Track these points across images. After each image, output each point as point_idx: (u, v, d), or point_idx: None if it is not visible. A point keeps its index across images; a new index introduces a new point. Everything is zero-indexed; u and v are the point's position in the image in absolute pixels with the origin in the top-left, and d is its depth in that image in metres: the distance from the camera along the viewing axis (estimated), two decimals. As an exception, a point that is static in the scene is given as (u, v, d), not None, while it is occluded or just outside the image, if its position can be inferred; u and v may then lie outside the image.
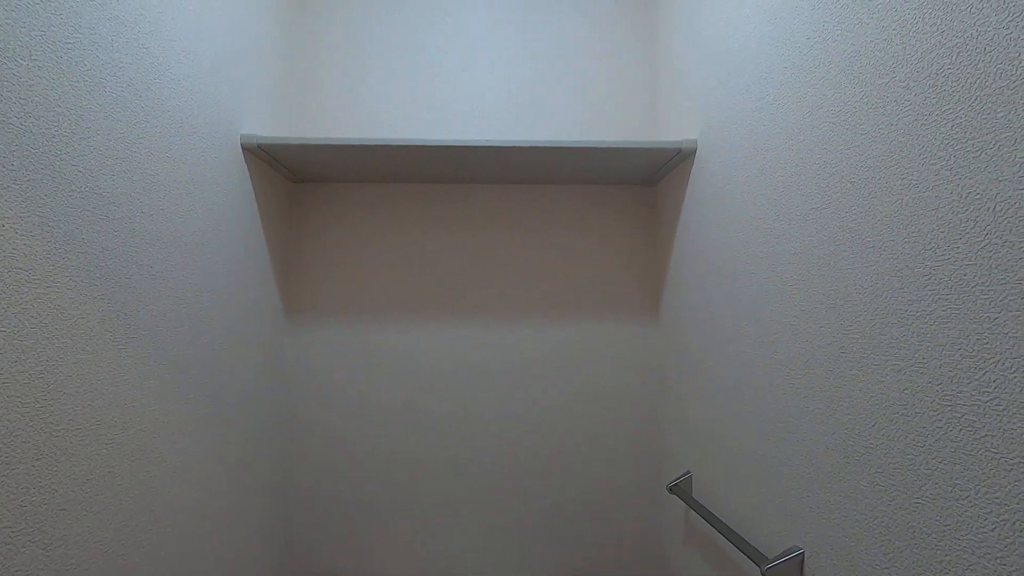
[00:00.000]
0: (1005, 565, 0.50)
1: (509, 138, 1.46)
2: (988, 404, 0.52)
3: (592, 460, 1.47)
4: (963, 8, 0.55)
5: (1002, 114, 0.51)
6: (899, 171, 0.63)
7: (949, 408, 0.56)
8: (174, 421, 0.94)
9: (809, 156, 0.80)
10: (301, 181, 1.49)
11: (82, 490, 0.73)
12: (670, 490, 1.25)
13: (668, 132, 1.43)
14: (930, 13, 0.59)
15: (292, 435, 1.44)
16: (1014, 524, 0.50)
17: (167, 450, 0.92)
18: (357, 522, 1.43)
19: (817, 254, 0.78)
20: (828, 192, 0.76)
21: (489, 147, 1.22)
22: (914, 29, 0.61)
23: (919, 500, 0.60)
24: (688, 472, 1.26)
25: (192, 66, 1.00)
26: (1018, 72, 0.50)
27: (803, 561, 0.82)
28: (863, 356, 0.69)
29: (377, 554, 1.42)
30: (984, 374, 0.52)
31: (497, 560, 1.44)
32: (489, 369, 1.46)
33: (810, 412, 0.80)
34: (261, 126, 1.30)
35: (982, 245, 0.53)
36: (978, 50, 0.54)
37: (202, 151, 1.03)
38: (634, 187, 1.53)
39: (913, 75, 0.61)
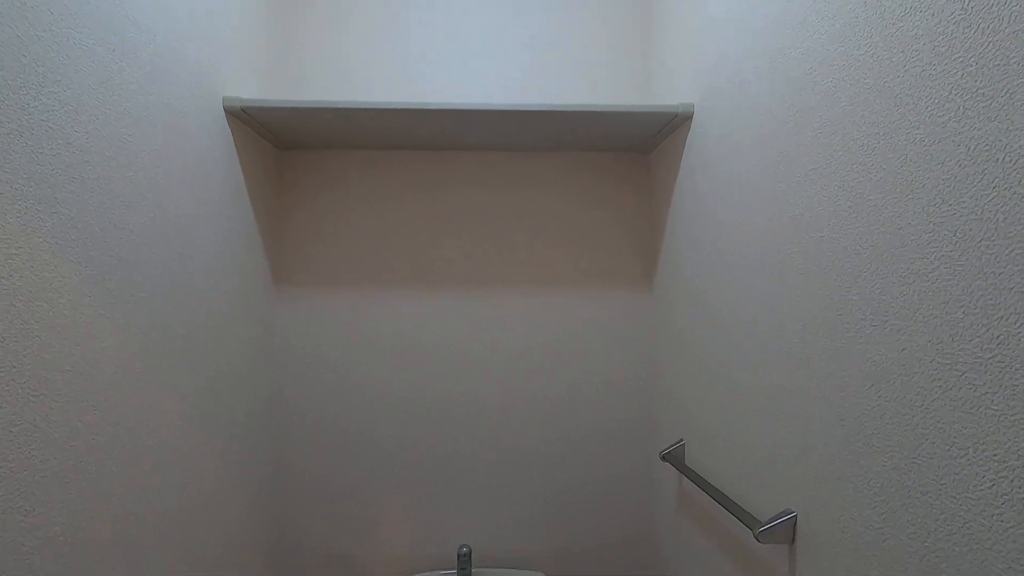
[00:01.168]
0: (1003, 521, 0.50)
1: (500, 101, 1.43)
2: (990, 361, 0.51)
3: (585, 430, 1.47)
4: (978, -51, 0.52)
5: (1016, 61, 0.49)
6: (904, 125, 0.61)
7: (949, 367, 0.55)
8: (159, 391, 0.92)
9: (810, 116, 0.78)
10: (287, 148, 1.44)
11: (62, 458, 0.71)
12: (663, 458, 1.25)
13: (664, 97, 1.39)
14: (942, -44, 0.56)
15: (283, 411, 1.42)
16: (1012, 480, 0.49)
17: (152, 421, 0.90)
18: (349, 500, 1.42)
19: (817, 216, 0.76)
20: (829, 152, 0.74)
21: (479, 111, 1.18)
22: (925, -26, 0.58)
23: (915, 460, 0.60)
24: (681, 440, 1.26)
25: (166, 19, 0.95)
26: (1034, 14, 0.48)
27: (795, 524, 0.82)
28: (862, 318, 0.68)
29: (370, 534, 1.42)
30: (987, 330, 0.51)
31: (490, 529, 1.44)
32: (480, 340, 1.45)
33: (806, 377, 0.79)
34: (244, 89, 1.25)
35: (989, 198, 0.51)
36: (992, -7, 0.51)
37: (182, 112, 0.99)
38: (628, 154, 1.50)
39: (923, 23, 0.59)
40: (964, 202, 0.54)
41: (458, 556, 1.33)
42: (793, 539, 0.83)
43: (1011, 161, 0.49)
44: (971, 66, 0.53)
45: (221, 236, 1.14)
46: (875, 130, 0.66)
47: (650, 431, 1.48)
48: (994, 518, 0.51)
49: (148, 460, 0.89)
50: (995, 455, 0.51)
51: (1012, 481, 0.49)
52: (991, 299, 0.51)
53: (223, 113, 1.15)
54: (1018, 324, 0.48)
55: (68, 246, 0.72)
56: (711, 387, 1.12)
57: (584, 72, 1.50)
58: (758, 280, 0.92)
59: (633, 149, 1.48)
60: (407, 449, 1.43)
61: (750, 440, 0.96)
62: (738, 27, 1.00)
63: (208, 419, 1.08)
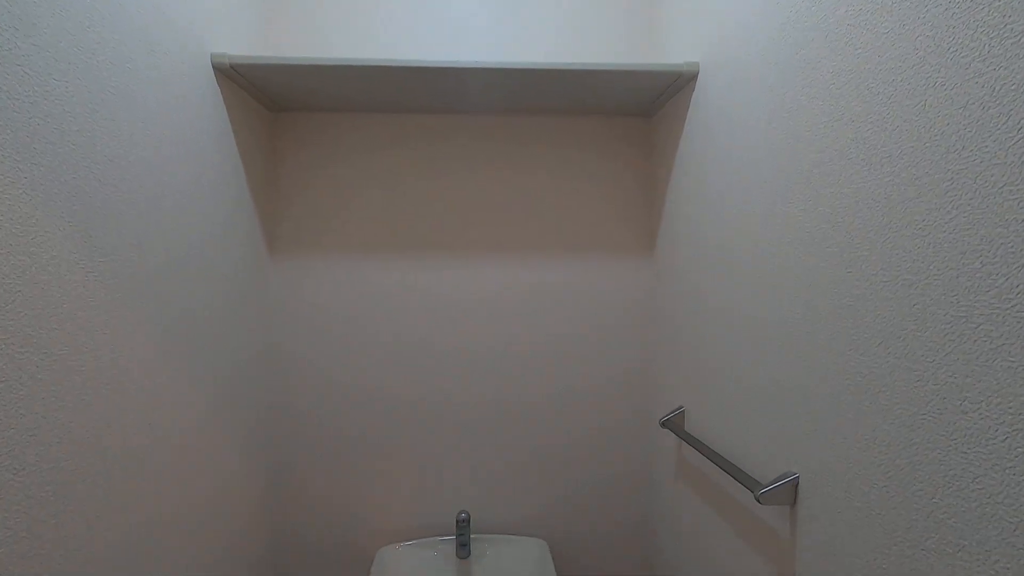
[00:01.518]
0: (1015, 474, 0.49)
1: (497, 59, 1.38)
2: (1008, 311, 0.49)
3: (584, 395, 1.46)
4: None
5: (1049, -10, 0.46)
6: (924, 69, 0.58)
7: (964, 320, 0.53)
8: (150, 346, 0.90)
9: (822, 65, 0.75)
10: (280, 110, 1.40)
11: (54, 415, 0.69)
12: (662, 424, 1.25)
13: (668, 56, 1.35)
14: None
15: (279, 368, 1.41)
16: (1028, 433, 0.48)
17: (143, 375, 0.88)
18: (347, 454, 1.42)
19: (828, 170, 0.74)
20: (841, 102, 0.71)
21: (476, 69, 1.14)
22: (952, -96, 0.55)
23: (925, 416, 0.58)
24: (681, 407, 1.25)
25: (151, -32, 0.91)
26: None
27: (797, 485, 0.82)
28: (872, 273, 0.65)
29: (368, 499, 1.42)
30: (1006, 280, 0.49)
31: (489, 495, 1.45)
32: (480, 305, 1.43)
33: (811, 335, 0.77)
34: (235, 47, 1.21)
35: (1014, 141, 0.49)
36: (1026, -82, 0.48)
37: (169, 69, 0.96)
38: (631, 118, 1.47)
39: (947, -42, 0.55)
40: (987, 146, 0.51)
41: (457, 522, 1.34)
42: (795, 501, 0.82)
43: (1040, 99, 0.47)
44: (1001, 0, 0.50)
45: (212, 196, 1.10)
46: (892, 77, 0.63)
47: (650, 399, 1.47)
48: (1007, 471, 0.50)
49: (137, 403, 0.87)
50: (1010, 408, 0.49)
51: (1027, 433, 0.48)
52: (1012, 247, 0.49)
53: (212, 71, 1.11)
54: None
55: (52, 197, 0.69)
56: (712, 352, 1.10)
57: (584, 31, 1.45)
58: (764, 237, 0.90)
59: (635, 113, 1.44)
60: (404, 414, 1.42)
61: (752, 404, 0.95)
62: (747, -22, 0.96)
63: (200, 368, 1.07)
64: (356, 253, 1.41)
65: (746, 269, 0.96)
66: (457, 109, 1.40)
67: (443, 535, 1.43)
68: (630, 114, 1.45)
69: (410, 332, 1.42)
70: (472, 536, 1.42)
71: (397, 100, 1.33)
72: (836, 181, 0.72)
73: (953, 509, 0.55)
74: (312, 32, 1.40)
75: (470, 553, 1.36)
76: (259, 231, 1.34)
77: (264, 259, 1.37)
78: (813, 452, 0.78)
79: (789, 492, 0.82)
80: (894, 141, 0.62)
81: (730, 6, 1.02)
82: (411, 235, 1.42)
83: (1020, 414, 0.48)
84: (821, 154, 0.75)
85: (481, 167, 1.43)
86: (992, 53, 0.51)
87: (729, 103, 1.02)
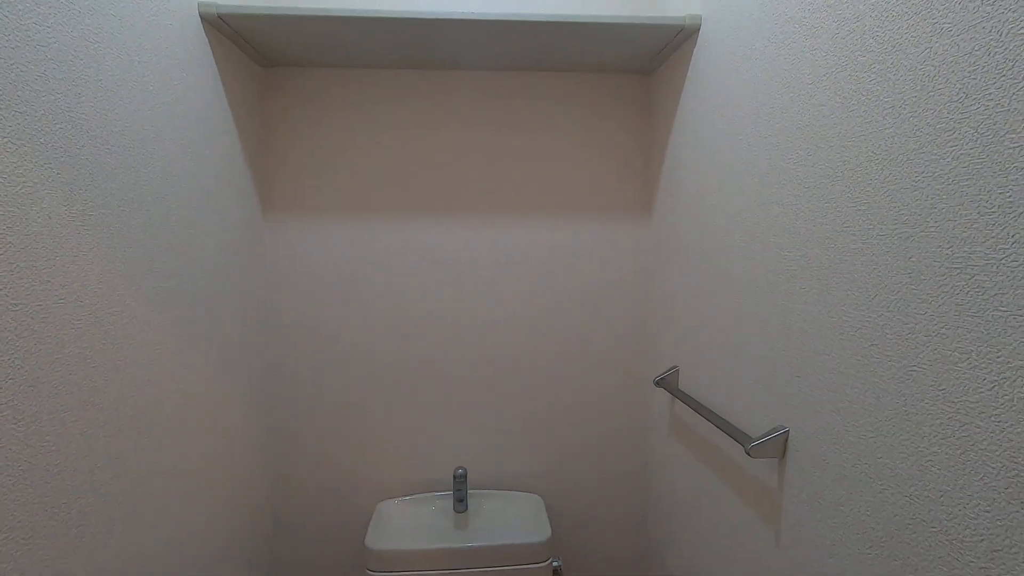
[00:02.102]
0: (1000, 422, 0.50)
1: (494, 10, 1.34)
2: (1003, 260, 0.49)
3: (580, 355, 1.47)
4: None
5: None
6: (931, 15, 0.57)
7: (959, 270, 0.54)
8: (146, 303, 0.90)
9: (825, 14, 0.73)
10: (271, 65, 1.37)
11: (52, 367, 0.70)
12: (657, 383, 1.26)
13: (669, 12, 1.31)
14: None
15: (277, 328, 1.41)
16: (1015, 381, 0.48)
17: (141, 331, 0.89)
18: (346, 413, 1.44)
19: (828, 123, 0.73)
20: (845, 51, 0.69)
21: (473, 20, 1.11)
22: None
23: (914, 368, 0.59)
24: (675, 367, 1.27)
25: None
26: None
27: (787, 439, 0.83)
28: (869, 227, 0.65)
29: (367, 445, 1.45)
30: (1003, 229, 0.49)
31: (486, 453, 1.47)
32: (478, 267, 1.43)
33: (804, 293, 0.78)
34: (221, -3, 1.17)
35: (1019, 87, 0.48)
36: None
37: (155, 17, 0.92)
38: (630, 76, 1.43)
39: None
40: (991, 93, 0.50)
41: (454, 477, 1.37)
42: (784, 454, 0.84)
43: (1047, 42, 0.46)
44: (1012, -61, 0.48)
45: (202, 150, 1.09)
46: (897, 24, 0.61)
47: (644, 358, 1.48)
48: (992, 419, 0.50)
49: (135, 358, 0.88)
50: (999, 357, 0.50)
51: (1015, 382, 0.48)
52: (1011, 196, 0.48)
53: (200, 21, 1.08)
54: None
55: (36, 151, 0.68)
56: (707, 311, 1.11)
57: (585, -15, 1.40)
58: (763, 192, 0.89)
59: (634, 71, 1.41)
60: (403, 372, 1.44)
61: (744, 361, 0.96)
62: (753, -77, 0.92)
63: (197, 328, 1.07)
64: (351, 213, 1.40)
65: (744, 227, 0.96)
66: (454, 65, 1.37)
67: (442, 491, 1.46)
68: (630, 71, 1.41)
69: (406, 292, 1.42)
70: (469, 492, 1.45)
71: (393, 55, 1.29)
72: (837, 135, 0.71)
73: (938, 457, 0.56)
74: (302, -17, 1.35)
75: (467, 507, 1.39)
76: (253, 190, 1.32)
77: (258, 219, 1.35)
78: (804, 406, 0.79)
79: (779, 445, 0.84)
80: (898, 91, 0.61)
81: (734, -46, 0.99)
82: (407, 194, 1.40)
83: (1008, 362, 0.49)
84: (822, 107, 0.74)
85: (478, 125, 1.41)
86: (1001, -5, 0.49)
87: (730, 57, 1.00)
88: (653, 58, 1.32)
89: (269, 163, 1.38)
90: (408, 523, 1.35)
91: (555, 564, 1.30)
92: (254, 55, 1.29)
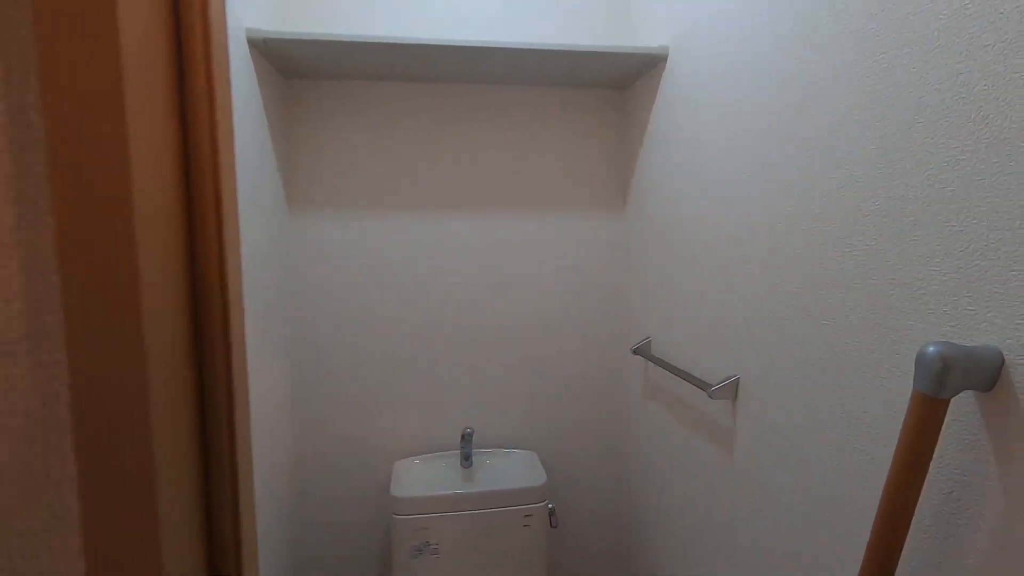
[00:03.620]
0: (870, 363, 0.75)
1: (481, 38, 1.54)
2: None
3: (568, 331, 1.72)
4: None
5: None
6: (837, 54, 0.81)
7: (849, 254, 0.79)
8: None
9: (774, 59, 0.97)
10: (291, 77, 1.54)
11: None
12: (634, 352, 1.52)
13: (640, 39, 1.55)
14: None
15: (298, 299, 1.59)
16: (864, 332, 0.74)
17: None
18: (363, 383, 1.64)
19: (773, 137, 0.98)
20: (784, 80, 0.94)
21: (482, 48, 1.31)
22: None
23: (823, 324, 0.84)
24: (648, 337, 1.52)
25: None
26: None
27: (738, 384, 1.09)
28: (797, 222, 0.91)
29: (382, 412, 1.65)
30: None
31: (486, 416, 1.70)
32: (477, 254, 1.65)
33: (752, 272, 1.03)
34: (253, 16, 1.33)
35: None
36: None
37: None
38: (606, 90, 1.67)
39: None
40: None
41: (462, 436, 1.59)
42: (735, 396, 1.10)
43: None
44: None
45: (247, 152, 1.26)
46: (817, 66, 0.86)
47: (622, 331, 1.74)
48: (864, 364, 0.76)
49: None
50: (878, 319, 0.75)
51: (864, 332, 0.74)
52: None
53: (246, 44, 1.24)
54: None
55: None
56: (675, 288, 1.36)
57: (562, 11, 1.62)
58: (723, 192, 1.14)
59: (610, 86, 1.65)
60: (411, 348, 1.64)
61: (705, 328, 1.21)
62: (711, -20, 1.16)
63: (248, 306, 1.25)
64: (364, 207, 1.59)
65: (706, 220, 1.21)
66: (451, 79, 1.57)
67: (448, 450, 1.68)
68: (606, 86, 1.65)
69: (416, 275, 1.62)
70: (474, 450, 1.68)
71: (400, 70, 1.49)
72: (778, 144, 0.96)
73: (854, 390, 0.82)
74: (320, 5, 1.53)
75: (472, 463, 1.62)
76: (280, 186, 1.49)
77: (284, 211, 1.53)
78: (751, 359, 1.04)
79: (732, 389, 1.10)
80: (812, 114, 0.86)
81: None
82: (411, 191, 1.60)
83: (865, 317, 0.74)
84: (768, 124, 0.99)
85: (472, 131, 1.62)
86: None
87: (694, 80, 1.24)
88: (626, 77, 1.55)
89: (290, 162, 1.56)
90: (424, 476, 1.57)
91: (550, 506, 1.54)
92: (280, 69, 1.46)
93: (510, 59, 1.39)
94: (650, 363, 1.51)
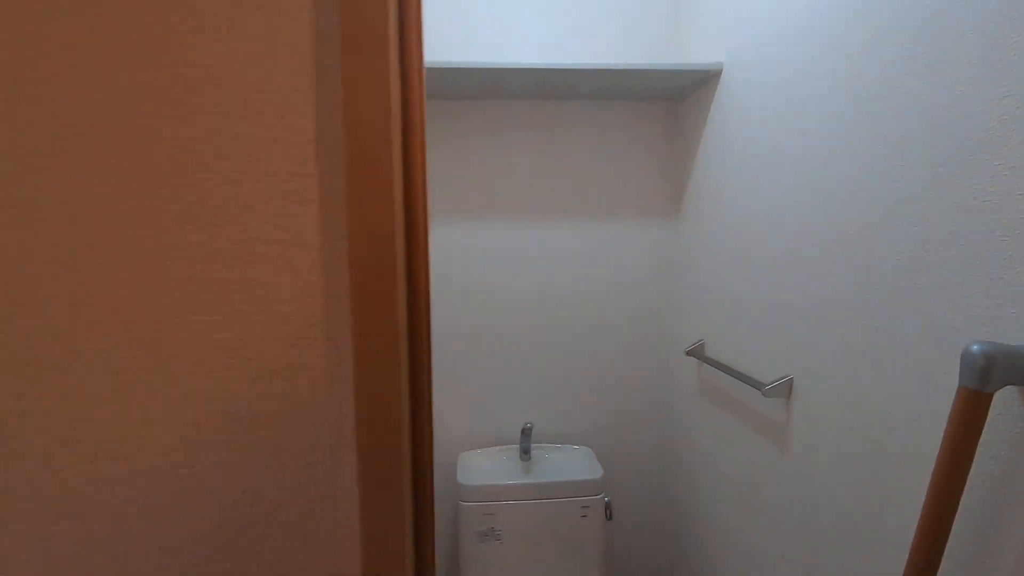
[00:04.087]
0: (924, 360, 0.81)
1: (544, 60, 1.64)
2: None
3: (623, 333, 1.80)
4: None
5: None
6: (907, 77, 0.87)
7: (912, 257, 0.85)
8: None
9: (827, 64, 1.03)
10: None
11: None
12: (687, 353, 1.58)
13: (695, 54, 1.62)
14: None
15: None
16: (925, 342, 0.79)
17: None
18: (440, 382, 1.76)
19: (828, 150, 1.04)
20: (844, 95, 1.00)
21: (556, 70, 1.42)
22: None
23: (874, 327, 0.90)
24: (701, 340, 1.59)
25: None
26: None
27: (792, 384, 1.15)
28: (849, 226, 0.96)
29: (449, 410, 1.78)
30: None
31: (546, 415, 1.80)
32: (538, 259, 1.76)
33: (807, 276, 1.09)
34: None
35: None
36: None
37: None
38: (661, 102, 1.75)
39: None
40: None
41: (522, 431, 1.69)
42: (790, 395, 1.16)
43: (945, 125, 0.76)
44: None
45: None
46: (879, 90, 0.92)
47: (675, 333, 1.81)
48: (910, 375, 0.82)
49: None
50: (920, 324, 0.81)
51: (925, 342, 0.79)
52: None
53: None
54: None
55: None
56: (727, 293, 1.42)
57: (617, 31, 1.71)
58: (777, 201, 1.21)
59: (666, 98, 1.72)
60: (479, 346, 1.76)
61: (758, 331, 1.27)
62: None
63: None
64: (435, 214, 1.72)
65: (760, 227, 1.27)
66: (509, 96, 1.68)
67: (509, 444, 1.79)
68: (661, 99, 1.73)
69: (480, 278, 1.74)
70: (532, 444, 1.78)
71: (471, 90, 1.61)
72: (833, 158, 1.02)
73: (895, 386, 0.88)
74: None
75: (531, 457, 1.72)
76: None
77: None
78: (805, 360, 1.10)
79: (786, 388, 1.16)
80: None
81: (751, 15, 1.29)
82: (479, 201, 1.72)
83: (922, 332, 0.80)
84: (825, 137, 1.05)
85: (538, 144, 1.73)
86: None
87: (749, 94, 1.31)
88: (682, 91, 1.62)
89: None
90: (487, 467, 1.68)
91: (606, 499, 1.62)
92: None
93: (574, 78, 1.49)
94: (703, 364, 1.57)
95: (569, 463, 1.71)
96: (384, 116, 0.32)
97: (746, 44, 1.31)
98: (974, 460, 0.67)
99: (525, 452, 1.71)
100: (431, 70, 1.40)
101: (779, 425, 1.20)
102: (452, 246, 1.73)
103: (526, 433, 1.69)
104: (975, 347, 0.65)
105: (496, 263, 1.74)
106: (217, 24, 0.31)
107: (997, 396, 0.67)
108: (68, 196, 0.32)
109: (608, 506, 1.63)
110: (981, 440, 0.67)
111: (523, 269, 1.75)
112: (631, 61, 1.47)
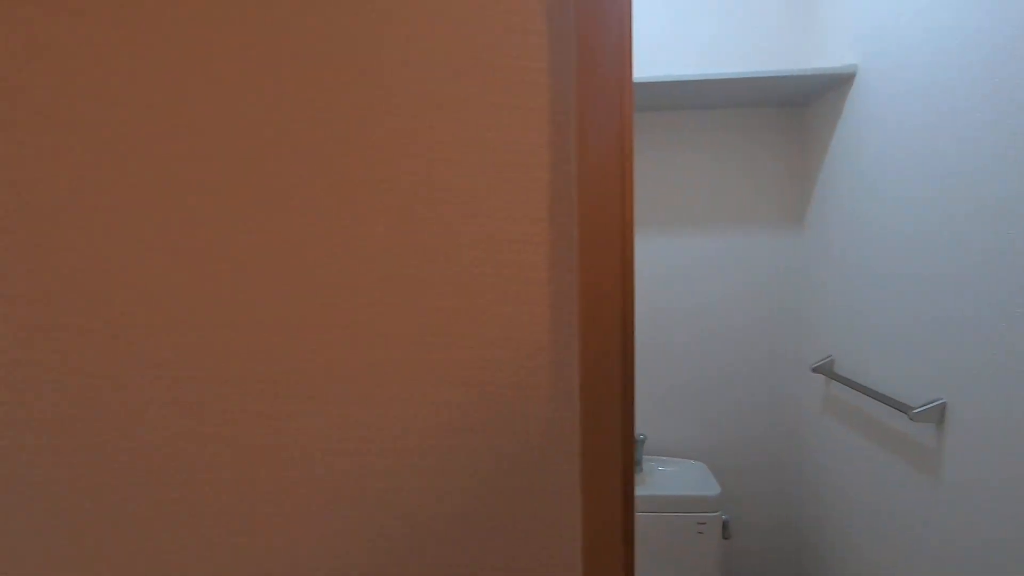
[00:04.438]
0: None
1: (685, 72, 1.64)
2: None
3: (742, 344, 1.75)
4: None
5: None
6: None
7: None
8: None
9: (981, 74, 0.96)
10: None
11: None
12: (814, 370, 1.51)
13: (827, 57, 1.55)
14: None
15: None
16: None
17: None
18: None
19: (976, 162, 0.96)
20: (1001, 110, 0.93)
21: (696, 81, 1.42)
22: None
23: (1055, 347, 0.83)
24: (829, 356, 1.51)
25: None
26: None
27: (944, 409, 1.07)
28: (1005, 239, 0.89)
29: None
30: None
31: (660, 427, 1.79)
32: (660, 270, 1.75)
33: (957, 288, 1.01)
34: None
35: None
36: None
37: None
38: (787, 108, 1.69)
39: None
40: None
41: (635, 441, 1.69)
42: (942, 419, 1.08)
43: None
44: None
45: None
46: (1040, 101, 0.85)
47: (798, 347, 1.73)
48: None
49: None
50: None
51: None
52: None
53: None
54: None
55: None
56: (861, 306, 1.35)
57: (752, 37, 1.67)
58: (915, 212, 1.13)
59: (792, 104, 1.66)
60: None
61: (899, 348, 1.20)
62: None
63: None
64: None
65: (897, 239, 1.20)
66: (645, 107, 1.70)
67: (619, 455, 1.79)
68: (787, 105, 1.67)
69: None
70: (644, 456, 1.77)
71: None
72: (985, 171, 0.95)
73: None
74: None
75: (642, 469, 1.72)
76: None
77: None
78: (960, 380, 1.03)
79: (938, 413, 1.08)
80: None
81: (890, 15, 1.23)
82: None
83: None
84: (974, 149, 0.98)
85: (664, 154, 1.73)
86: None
87: (885, 98, 1.24)
88: (809, 96, 1.56)
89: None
90: (598, 477, 1.70)
91: (724, 518, 1.59)
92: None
93: (706, 88, 1.48)
94: (832, 381, 1.49)
95: (682, 477, 1.69)
96: (618, 186, 0.36)
97: (885, 45, 1.25)
98: None
99: (636, 463, 1.71)
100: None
101: (929, 452, 1.12)
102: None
103: (638, 444, 1.69)
104: None
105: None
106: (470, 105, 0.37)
107: None
108: (356, 241, 0.40)
109: (726, 524, 1.59)
110: None
111: (641, 278, 1.76)
112: (755, 69, 1.44)
